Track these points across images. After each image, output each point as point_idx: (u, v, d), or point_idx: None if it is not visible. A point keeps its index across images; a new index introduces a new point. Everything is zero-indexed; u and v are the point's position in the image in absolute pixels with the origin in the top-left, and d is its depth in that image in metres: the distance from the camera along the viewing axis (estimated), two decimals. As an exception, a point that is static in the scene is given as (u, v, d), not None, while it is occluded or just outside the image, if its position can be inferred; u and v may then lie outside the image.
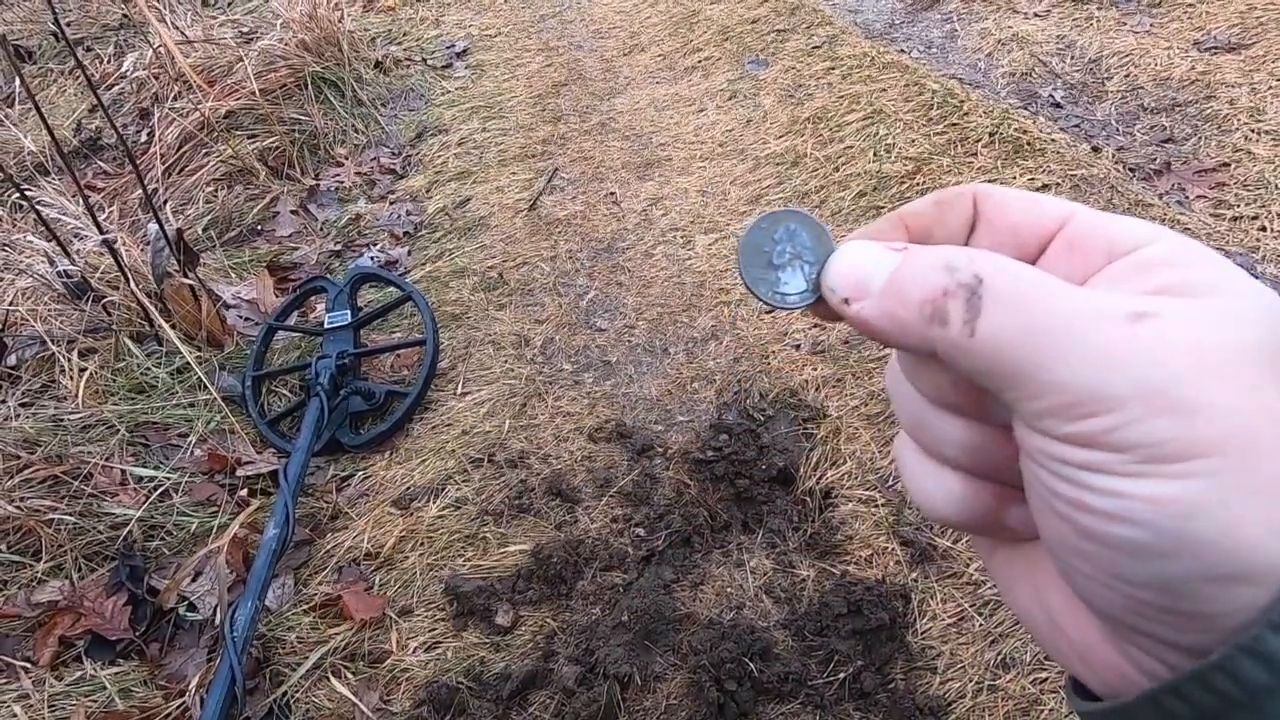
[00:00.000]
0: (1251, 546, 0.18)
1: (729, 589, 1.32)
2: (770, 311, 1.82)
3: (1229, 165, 2.00)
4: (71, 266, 1.80)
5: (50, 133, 1.77)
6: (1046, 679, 1.14)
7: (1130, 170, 2.07)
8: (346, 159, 2.67)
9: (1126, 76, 2.41)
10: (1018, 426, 0.22)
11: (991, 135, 2.15)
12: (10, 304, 1.84)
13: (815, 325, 1.78)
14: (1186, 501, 0.18)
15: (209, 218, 2.38)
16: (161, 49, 2.70)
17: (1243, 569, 0.18)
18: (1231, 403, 0.19)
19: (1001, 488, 0.25)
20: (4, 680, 1.25)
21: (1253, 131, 2.07)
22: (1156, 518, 0.19)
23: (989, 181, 2.06)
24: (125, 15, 3.40)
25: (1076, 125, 2.29)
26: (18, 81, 2.42)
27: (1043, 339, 0.20)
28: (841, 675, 1.18)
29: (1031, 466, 0.22)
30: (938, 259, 0.23)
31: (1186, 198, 1.95)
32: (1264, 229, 1.81)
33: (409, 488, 1.55)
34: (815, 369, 1.67)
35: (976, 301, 0.21)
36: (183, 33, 2.89)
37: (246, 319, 2.00)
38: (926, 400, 0.25)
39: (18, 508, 1.41)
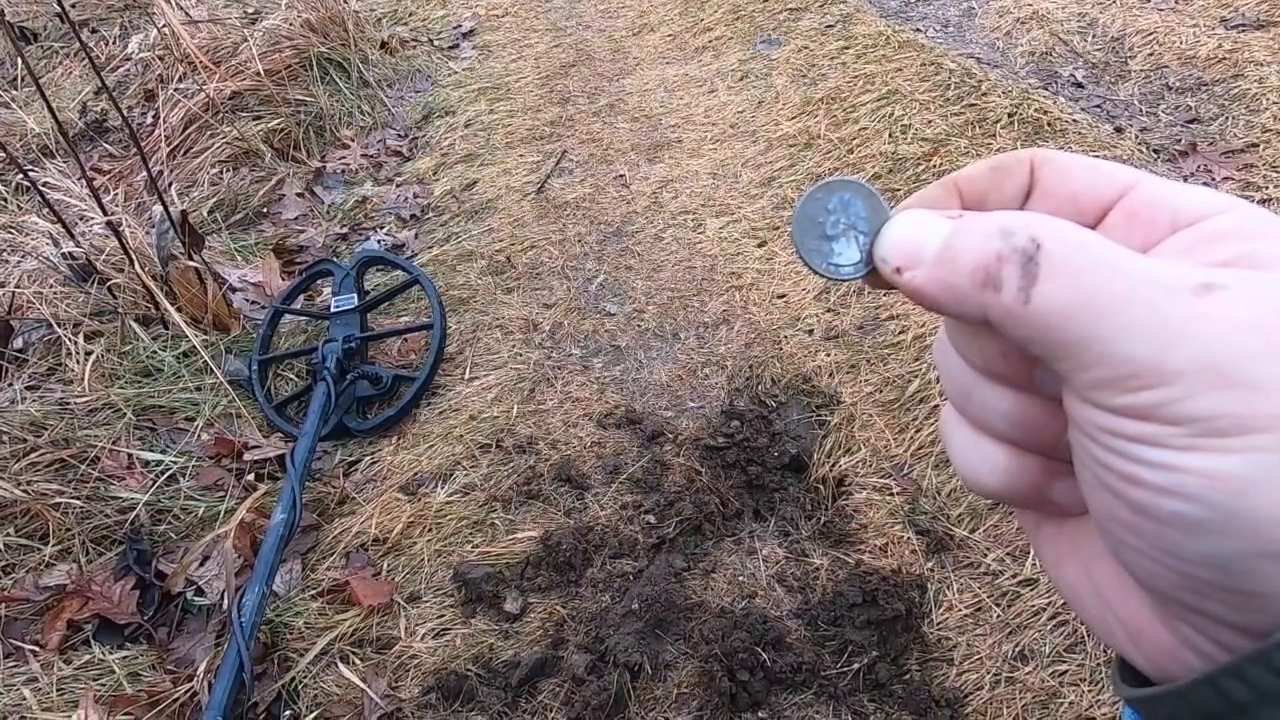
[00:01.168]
0: None
1: (741, 577, 1.30)
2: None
3: (1257, 146, 1.94)
4: (76, 249, 1.78)
5: (54, 115, 1.75)
6: (1066, 671, 1.11)
7: (1155, 152, 2.01)
8: (352, 141, 2.64)
9: (1150, 55, 2.34)
10: (1068, 398, 0.21)
11: (1011, 116, 2.10)
12: (16, 287, 1.83)
13: (829, 310, 1.75)
14: (1243, 477, 0.18)
15: (214, 200, 2.36)
16: (167, 29, 2.67)
17: None
18: None
19: (1048, 461, 0.24)
20: (13, 664, 1.25)
21: (1282, 111, 2.01)
22: (1210, 493, 0.18)
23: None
24: (130, -4, 3.37)
25: (1098, 106, 2.23)
26: (21, 63, 2.39)
27: (1102, 309, 0.19)
28: (856, 666, 1.16)
29: (1082, 439, 0.21)
30: (992, 223, 0.22)
31: (1213, 179, 1.89)
32: (1293, 212, 1.76)
33: (417, 473, 1.54)
34: (829, 355, 1.64)
35: (1033, 267, 0.20)
36: (187, 13, 2.86)
37: (252, 302, 1.98)
38: (975, 371, 0.25)
39: (25, 491, 1.41)
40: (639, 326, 1.81)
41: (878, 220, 0.25)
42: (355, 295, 1.83)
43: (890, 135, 2.15)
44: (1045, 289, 0.20)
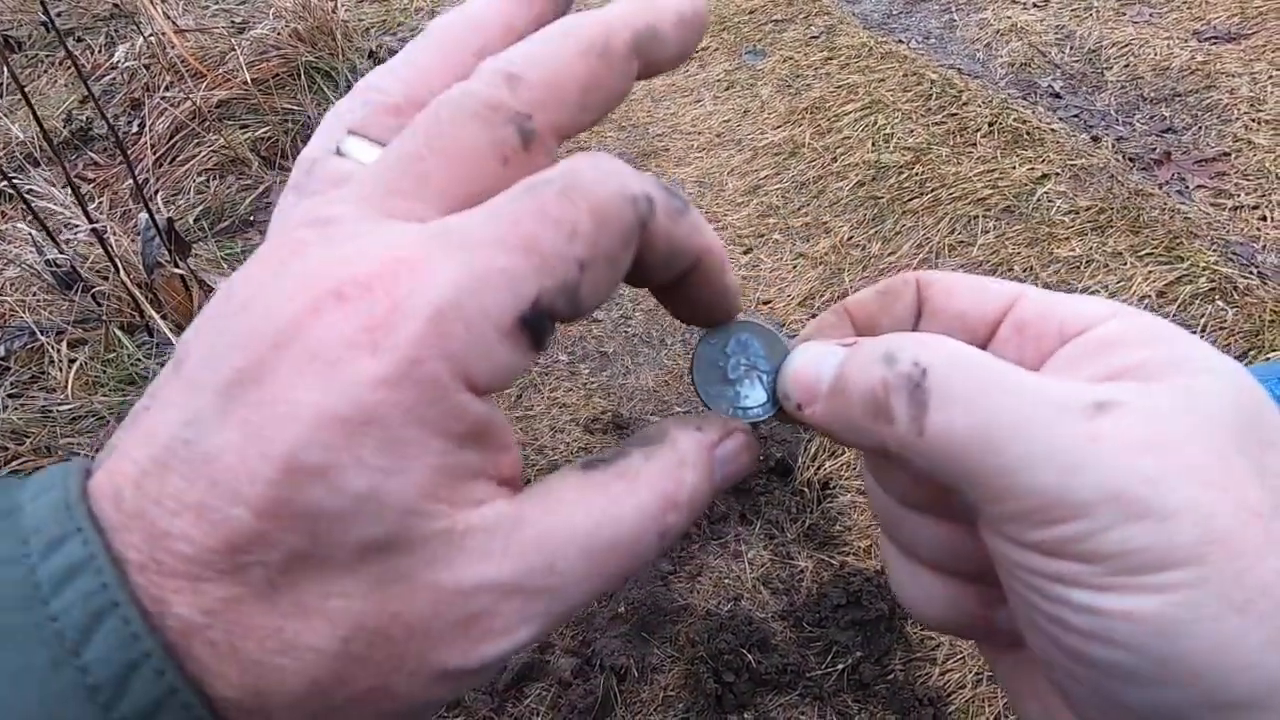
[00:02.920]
0: (1249, 666, 0.16)
1: (726, 580, 1.31)
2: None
3: (1229, 155, 1.99)
4: (60, 256, 1.78)
5: (39, 123, 1.74)
6: (1047, 669, 1.13)
7: (1130, 160, 2.06)
8: (340, 150, 2.64)
9: (1126, 66, 2.39)
10: (984, 532, 0.20)
11: (990, 125, 2.14)
12: (-2, 294, 1.82)
13: (812, 315, 1.77)
14: (1166, 617, 0.17)
15: (201, 208, 2.36)
16: (153, 38, 2.67)
17: (1244, 695, 0.16)
18: (1207, 503, 0.17)
19: (985, 588, 0.23)
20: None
21: (1253, 121, 2.06)
22: (1137, 638, 0.17)
23: (988, 171, 2.05)
24: (116, 5, 3.37)
25: (1076, 115, 2.28)
26: (6, 71, 2.39)
27: (999, 437, 0.18)
28: (840, 666, 1.17)
29: (1005, 576, 0.20)
30: (877, 349, 0.21)
31: (1187, 187, 1.94)
32: (1264, 218, 1.80)
33: (403, 479, 1.54)
34: (813, 359, 1.66)
35: (921, 395, 0.19)
36: (174, 21, 2.86)
37: (239, 310, 1.98)
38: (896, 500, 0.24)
39: (6, 500, 1.39)
40: (626, 332, 1.82)
41: (777, 357, 0.25)
42: (342, 302, 1.83)
43: (873, 144, 2.18)
44: (937, 419, 0.19)
